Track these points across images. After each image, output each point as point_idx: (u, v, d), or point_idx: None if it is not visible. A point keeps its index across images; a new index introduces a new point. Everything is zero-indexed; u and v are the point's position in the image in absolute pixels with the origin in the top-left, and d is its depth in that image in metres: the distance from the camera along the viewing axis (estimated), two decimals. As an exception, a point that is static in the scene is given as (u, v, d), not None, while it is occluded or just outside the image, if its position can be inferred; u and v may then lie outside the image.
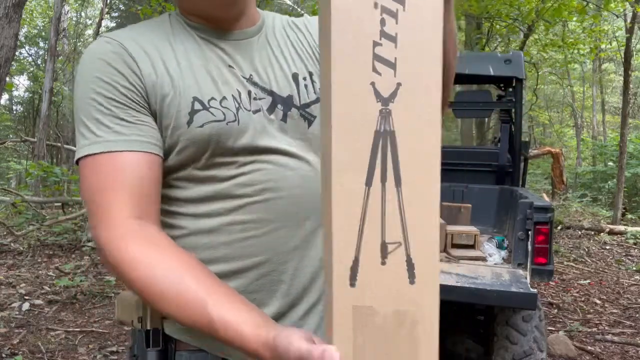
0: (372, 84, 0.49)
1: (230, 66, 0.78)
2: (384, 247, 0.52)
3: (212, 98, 0.75)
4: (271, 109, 0.79)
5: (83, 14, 21.58)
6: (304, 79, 0.83)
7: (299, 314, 0.80)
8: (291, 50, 0.85)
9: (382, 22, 0.49)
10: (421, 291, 0.55)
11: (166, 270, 0.66)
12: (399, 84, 0.50)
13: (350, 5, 0.49)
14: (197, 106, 0.74)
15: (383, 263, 0.52)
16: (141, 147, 0.72)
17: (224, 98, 0.76)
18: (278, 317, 0.77)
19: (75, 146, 0.76)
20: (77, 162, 0.76)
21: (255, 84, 0.79)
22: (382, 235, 0.52)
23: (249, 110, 0.77)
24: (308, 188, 0.78)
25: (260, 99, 0.78)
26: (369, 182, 0.51)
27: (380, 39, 0.49)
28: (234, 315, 0.62)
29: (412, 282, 0.54)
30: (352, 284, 0.51)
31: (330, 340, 0.52)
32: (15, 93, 21.55)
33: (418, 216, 0.54)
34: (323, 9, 0.52)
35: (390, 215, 0.52)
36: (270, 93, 0.79)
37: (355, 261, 0.51)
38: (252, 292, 0.77)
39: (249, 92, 0.78)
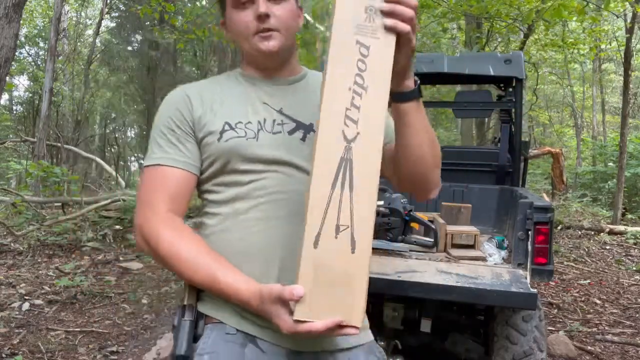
0: (343, 131, 0.86)
1: (264, 103, 1.11)
2: (337, 227, 0.84)
3: (239, 122, 1.07)
4: (292, 131, 1.09)
5: (83, 14, 21.57)
6: None
7: None
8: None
9: (353, 98, 0.87)
10: (358, 258, 0.84)
11: (185, 246, 0.99)
12: (358, 133, 0.86)
13: (337, 86, 0.87)
14: (226, 127, 1.07)
15: (336, 237, 0.84)
16: (180, 165, 1.07)
17: (249, 122, 1.08)
18: None
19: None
20: (143, 168, 1.11)
21: (283, 114, 1.11)
22: (337, 220, 0.84)
23: (270, 132, 1.08)
24: (300, 191, 1.01)
25: (284, 124, 1.09)
26: (333, 187, 0.85)
27: (350, 107, 0.86)
28: (232, 277, 0.95)
29: (353, 251, 0.84)
30: (315, 247, 0.83)
31: (296, 283, 0.83)
32: (15, 93, 21.54)
33: (361, 211, 0.85)
34: (322, 82, 0.89)
35: (344, 208, 0.84)
36: (295, 121, 1.10)
37: (319, 234, 0.83)
38: (260, 276, 0.99)
39: (274, 120, 1.09)
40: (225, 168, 1.07)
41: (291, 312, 0.84)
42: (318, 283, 0.83)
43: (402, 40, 0.89)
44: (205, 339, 1.02)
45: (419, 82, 0.98)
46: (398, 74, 0.93)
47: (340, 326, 0.84)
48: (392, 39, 0.88)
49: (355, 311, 0.84)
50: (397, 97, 0.98)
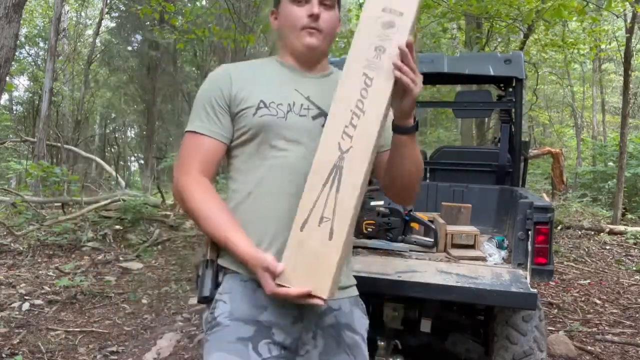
0: (339, 143, 1.07)
1: (295, 89, 1.29)
2: (321, 218, 1.05)
3: (272, 102, 1.26)
4: (316, 117, 1.28)
5: (83, 14, 21.56)
6: None
7: None
8: None
9: (352, 118, 1.06)
10: (333, 245, 1.04)
11: (209, 204, 1.21)
12: (351, 147, 1.06)
13: (341, 106, 1.08)
14: (261, 105, 1.25)
15: (319, 225, 1.05)
16: (214, 135, 1.27)
17: (281, 103, 1.26)
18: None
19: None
20: (185, 132, 1.30)
21: (310, 101, 1.29)
22: (322, 213, 1.05)
23: (297, 114, 1.27)
24: None
25: (310, 109, 1.28)
26: (324, 186, 1.05)
27: (349, 125, 1.06)
28: (240, 239, 1.17)
29: (330, 239, 1.04)
30: (301, 230, 1.06)
31: (284, 254, 1.08)
32: (15, 93, 21.54)
33: (343, 209, 1.04)
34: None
35: (329, 204, 1.05)
36: (319, 108, 1.28)
37: (305, 221, 1.06)
38: (261, 240, 1.22)
39: (302, 104, 1.28)
40: (254, 139, 1.26)
41: (274, 278, 1.08)
42: (298, 258, 1.05)
43: (405, 90, 1.10)
44: (224, 284, 1.24)
45: (417, 119, 1.20)
46: (403, 112, 1.16)
47: (310, 295, 1.05)
48: (391, 77, 1.07)
49: (324, 286, 1.03)
50: (399, 129, 1.20)
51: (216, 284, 1.24)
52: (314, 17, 1.25)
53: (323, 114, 1.25)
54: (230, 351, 1.15)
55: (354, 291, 1.35)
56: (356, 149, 1.05)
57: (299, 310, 1.20)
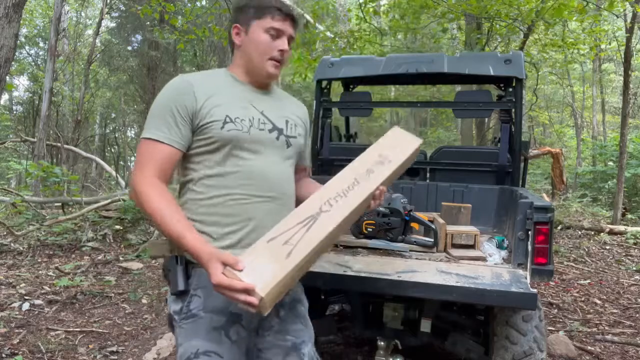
0: (322, 204, 1.36)
1: (252, 104, 1.47)
2: (286, 242, 1.25)
3: (237, 117, 1.41)
4: (271, 131, 1.47)
5: (83, 14, 21.57)
6: (288, 122, 1.55)
7: None
8: (285, 107, 1.59)
9: (338, 195, 1.39)
10: (288, 263, 1.21)
11: (164, 206, 1.30)
12: (328, 211, 1.34)
13: (337, 184, 1.44)
14: (228, 120, 1.40)
15: (282, 245, 1.24)
16: (172, 143, 1.37)
17: (244, 119, 1.42)
18: None
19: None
20: (141, 138, 1.39)
21: (264, 115, 1.48)
22: (289, 239, 1.26)
23: (257, 128, 1.44)
24: (275, 178, 1.47)
25: (265, 123, 1.47)
26: (299, 224, 1.30)
27: (334, 198, 1.38)
28: (194, 236, 1.27)
29: (286, 258, 1.22)
30: (268, 242, 1.25)
31: (246, 253, 1.22)
32: (15, 93, 21.54)
33: (304, 244, 1.26)
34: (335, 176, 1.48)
35: (296, 237, 1.27)
36: (272, 123, 1.48)
37: (273, 238, 1.25)
38: (243, 246, 1.38)
39: (259, 119, 1.45)
40: (221, 149, 1.40)
41: (223, 270, 1.20)
42: (254, 262, 1.19)
43: (368, 206, 1.48)
44: (196, 278, 1.39)
45: None
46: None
47: (249, 293, 1.12)
48: (366, 193, 1.43)
49: (265, 289, 1.15)
50: None
51: (187, 277, 1.39)
52: (282, 52, 1.45)
53: (275, 128, 1.48)
54: (206, 338, 1.33)
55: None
56: (331, 214, 1.35)
57: None
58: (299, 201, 1.44)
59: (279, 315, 1.46)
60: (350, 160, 1.52)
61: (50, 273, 4.92)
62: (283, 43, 1.44)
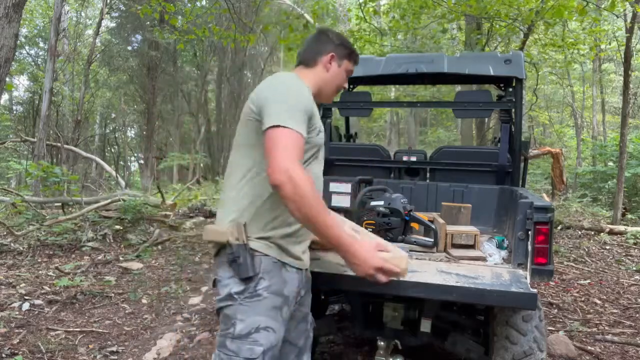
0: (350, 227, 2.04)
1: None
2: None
3: (321, 126, 1.71)
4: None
5: (83, 14, 21.56)
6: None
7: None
8: None
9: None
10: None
11: (323, 206, 1.47)
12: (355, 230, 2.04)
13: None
14: (320, 129, 1.69)
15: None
16: (304, 133, 1.53)
17: (321, 130, 1.71)
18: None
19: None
20: (274, 126, 1.48)
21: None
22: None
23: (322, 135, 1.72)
24: (320, 180, 1.77)
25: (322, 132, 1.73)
26: None
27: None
28: (342, 230, 1.54)
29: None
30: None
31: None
32: (15, 93, 21.54)
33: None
34: None
35: None
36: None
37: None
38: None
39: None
40: (310, 150, 1.65)
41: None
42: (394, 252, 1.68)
43: None
44: (262, 264, 1.57)
45: None
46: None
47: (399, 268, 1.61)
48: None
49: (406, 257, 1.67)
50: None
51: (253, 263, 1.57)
52: (343, 88, 1.92)
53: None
54: (267, 315, 1.55)
55: None
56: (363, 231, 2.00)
57: (299, 278, 1.68)
58: None
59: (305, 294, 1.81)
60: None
61: (50, 273, 4.92)
62: (345, 82, 1.91)
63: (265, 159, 1.47)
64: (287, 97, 1.54)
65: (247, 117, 1.61)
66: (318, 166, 1.72)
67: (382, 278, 1.54)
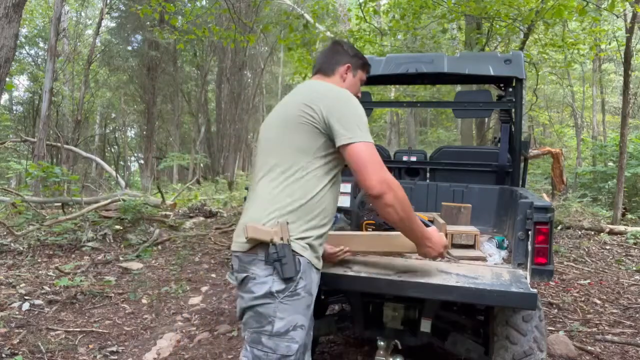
0: None
1: None
2: None
3: None
4: None
5: (83, 14, 21.57)
6: None
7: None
8: None
9: None
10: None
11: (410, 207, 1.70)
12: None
13: None
14: None
15: None
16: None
17: None
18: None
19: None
20: (361, 142, 1.63)
21: None
22: None
23: None
24: None
25: None
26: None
27: None
28: (425, 229, 1.83)
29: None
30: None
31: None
32: (15, 93, 21.54)
33: None
34: None
35: None
36: None
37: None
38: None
39: None
40: (339, 162, 1.74)
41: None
42: None
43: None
44: (299, 264, 1.63)
45: None
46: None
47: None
48: None
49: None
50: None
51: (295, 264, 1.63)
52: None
53: None
54: (303, 314, 1.64)
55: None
56: None
57: (319, 281, 1.75)
58: None
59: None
60: None
61: (50, 273, 4.92)
62: (359, 91, 2.03)
63: (356, 172, 1.62)
64: (359, 112, 1.68)
65: (302, 121, 1.67)
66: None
67: (445, 254, 1.90)
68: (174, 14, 9.64)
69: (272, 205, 1.65)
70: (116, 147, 25.89)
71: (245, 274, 1.64)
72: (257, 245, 1.63)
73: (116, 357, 3.19)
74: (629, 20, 8.93)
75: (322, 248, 1.77)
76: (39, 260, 5.37)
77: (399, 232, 1.81)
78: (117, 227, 6.69)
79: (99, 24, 17.00)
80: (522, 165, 3.53)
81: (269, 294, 1.59)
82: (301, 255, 1.64)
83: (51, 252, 5.68)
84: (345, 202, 2.72)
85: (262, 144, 1.81)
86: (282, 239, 1.61)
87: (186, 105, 22.29)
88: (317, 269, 1.73)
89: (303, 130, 1.67)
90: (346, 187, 2.73)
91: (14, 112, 21.78)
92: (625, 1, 7.41)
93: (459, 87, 8.99)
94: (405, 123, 21.88)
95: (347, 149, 1.62)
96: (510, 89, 3.43)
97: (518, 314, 2.23)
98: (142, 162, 22.86)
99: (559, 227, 7.96)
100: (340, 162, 1.74)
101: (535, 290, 1.87)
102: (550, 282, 4.97)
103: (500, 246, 2.51)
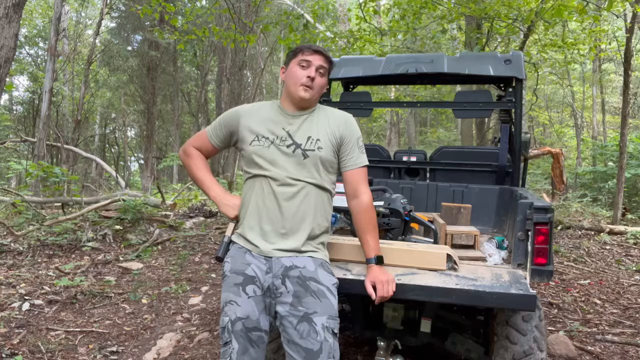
0: None
1: (283, 128, 1.88)
2: None
3: (263, 136, 1.87)
4: (290, 147, 1.85)
5: (83, 14, 21.56)
6: (310, 138, 1.87)
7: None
8: (319, 126, 1.91)
9: None
10: None
11: (200, 164, 2.03)
12: None
13: None
14: (255, 138, 1.88)
15: None
16: (210, 137, 2.01)
17: (267, 138, 1.87)
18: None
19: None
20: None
21: (289, 135, 1.87)
22: None
23: (277, 145, 1.85)
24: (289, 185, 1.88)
25: (286, 139, 1.86)
26: None
27: None
28: (214, 185, 2.01)
29: None
30: None
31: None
32: (15, 93, 21.53)
33: None
34: None
35: None
36: (293, 140, 1.86)
37: None
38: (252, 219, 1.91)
39: (282, 137, 1.86)
40: (250, 158, 1.88)
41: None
42: None
43: None
44: (231, 251, 1.89)
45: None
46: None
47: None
48: None
49: None
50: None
51: (227, 250, 1.90)
52: (310, 78, 1.84)
53: (295, 144, 1.85)
54: (230, 291, 1.82)
55: (318, 256, 1.87)
56: None
57: (268, 265, 1.81)
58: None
59: (291, 292, 1.79)
60: None
61: (50, 273, 4.92)
62: (310, 71, 1.84)
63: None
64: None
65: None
66: (268, 170, 2.01)
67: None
68: (174, 14, 9.64)
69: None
70: (116, 147, 25.89)
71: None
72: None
73: (116, 357, 3.18)
74: (629, 20, 8.93)
75: (252, 232, 1.88)
76: (39, 260, 5.37)
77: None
78: (117, 227, 6.68)
79: (99, 24, 17.00)
80: (522, 165, 3.53)
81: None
82: (235, 242, 1.90)
83: (51, 252, 5.67)
84: (344, 202, 2.72)
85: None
86: (229, 237, 1.94)
87: (186, 105, 22.29)
88: (248, 250, 1.85)
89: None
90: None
91: (14, 112, 21.78)
92: (625, 1, 7.41)
93: (459, 87, 8.99)
94: (405, 123, 21.88)
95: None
96: (510, 89, 3.42)
97: (518, 314, 2.23)
98: (142, 162, 22.85)
99: (559, 227, 7.96)
100: (246, 162, 1.92)
101: (534, 292, 1.87)
102: (550, 282, 4.97)
103: (500, 246, 2.51)
